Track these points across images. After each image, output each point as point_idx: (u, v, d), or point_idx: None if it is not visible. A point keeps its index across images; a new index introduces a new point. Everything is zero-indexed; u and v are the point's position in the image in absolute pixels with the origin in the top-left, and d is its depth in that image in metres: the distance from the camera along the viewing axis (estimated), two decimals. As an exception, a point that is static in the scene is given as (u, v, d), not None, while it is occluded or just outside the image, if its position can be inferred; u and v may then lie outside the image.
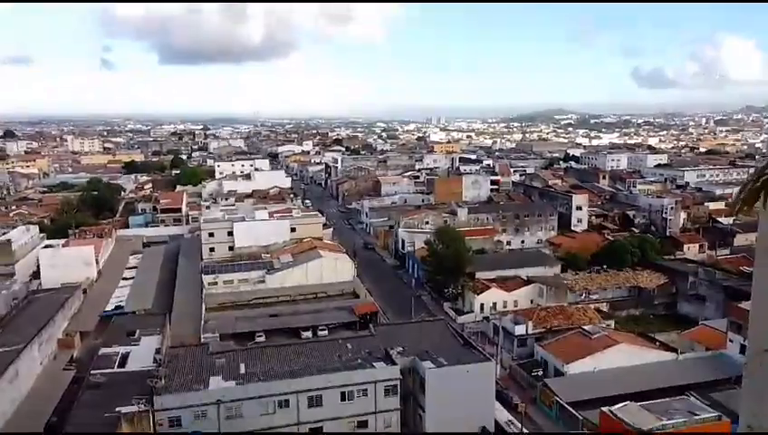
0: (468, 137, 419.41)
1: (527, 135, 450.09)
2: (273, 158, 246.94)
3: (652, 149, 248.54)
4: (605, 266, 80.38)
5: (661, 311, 73.96)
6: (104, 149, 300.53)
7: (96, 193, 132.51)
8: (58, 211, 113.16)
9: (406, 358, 44.53)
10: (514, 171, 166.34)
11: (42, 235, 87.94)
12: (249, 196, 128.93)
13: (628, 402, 41.23)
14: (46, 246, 78.65)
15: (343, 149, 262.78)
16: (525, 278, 75.09)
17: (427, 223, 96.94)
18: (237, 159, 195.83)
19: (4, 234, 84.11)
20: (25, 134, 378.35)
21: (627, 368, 49.15)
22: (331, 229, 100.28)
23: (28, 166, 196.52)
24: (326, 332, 61.11)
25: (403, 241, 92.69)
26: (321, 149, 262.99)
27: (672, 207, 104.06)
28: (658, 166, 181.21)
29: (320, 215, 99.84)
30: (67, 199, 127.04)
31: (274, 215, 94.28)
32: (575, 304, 67.17)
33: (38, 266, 73.73)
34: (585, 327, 56.24)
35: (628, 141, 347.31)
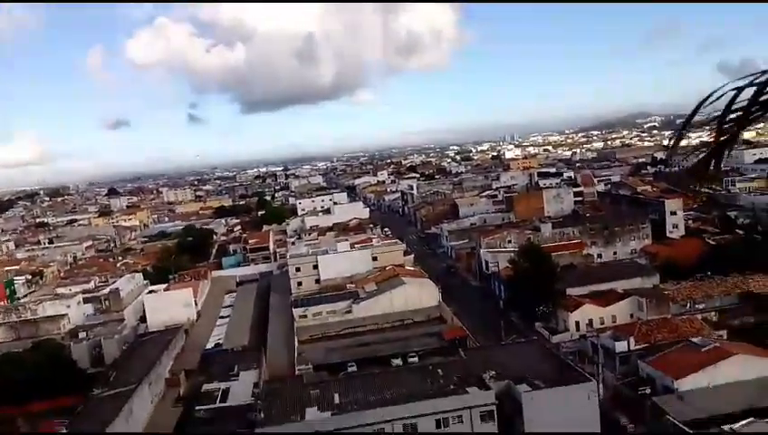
0: (545, 150, 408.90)
1: (609, 142, 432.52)
2: (351, 190, 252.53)
3: (749, 144, 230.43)
4: (709, 273, 74.60)
5: (780, 317, 67.22)
6: (196, 197, 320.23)
7: (191, 239, 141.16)
8: (158, 258, 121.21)
9: (500, 382, 43.25)
10: (598, 181, 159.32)
11: (145, 281, 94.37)
12: (330, 229, 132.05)
13: (753, 419, 37.61)
14: (150, 292, 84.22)
15: (418, 175, 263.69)
16: (621, 292, 71.15)
17: (509, 242, 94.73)
18: (317, 195, 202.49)
19: (113, 283, 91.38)
20: (126, 190, 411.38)
21: (745, 381, 44.92)
22: (412, 255, 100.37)
23: (130, 219, 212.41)
24: (416, 358, 60.62)
25: (486, 262, 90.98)
26: (397, 178, 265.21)
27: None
28: (759, 161, 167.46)
29: (400, 242, 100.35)
30: (165, 247, 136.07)
31: (356, 246, 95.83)
32: (679, 316, 62.66)
33: (144, 311, 79.06)
34: (693, 339, 52.19)
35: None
